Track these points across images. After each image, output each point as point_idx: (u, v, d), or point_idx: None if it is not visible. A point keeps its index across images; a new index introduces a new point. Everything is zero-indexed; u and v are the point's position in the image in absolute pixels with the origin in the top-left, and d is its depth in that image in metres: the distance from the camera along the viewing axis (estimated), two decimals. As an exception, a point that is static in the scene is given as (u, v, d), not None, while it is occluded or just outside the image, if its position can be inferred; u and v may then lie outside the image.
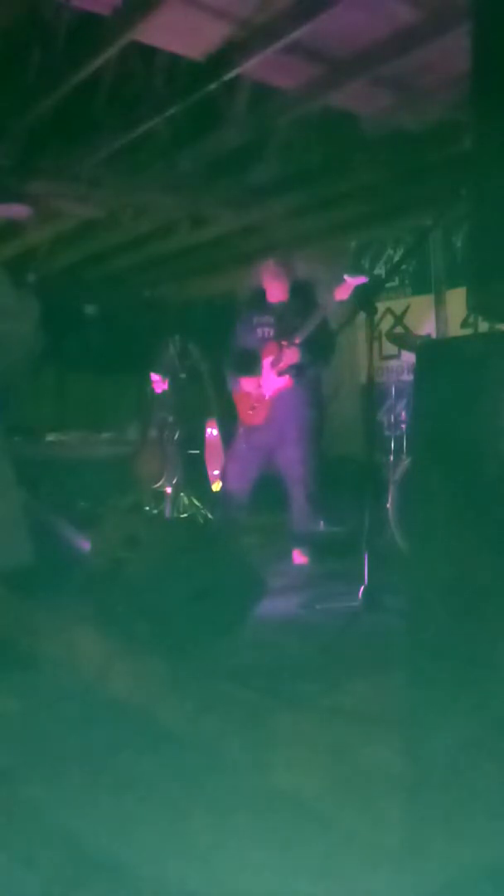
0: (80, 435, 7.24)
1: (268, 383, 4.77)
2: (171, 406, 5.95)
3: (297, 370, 4.66)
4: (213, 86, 4.12)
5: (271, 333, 4.78)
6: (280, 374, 4.72)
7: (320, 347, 4.61)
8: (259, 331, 4.84)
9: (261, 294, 4.90)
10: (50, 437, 7.14)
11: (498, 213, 1.63)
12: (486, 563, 1.57)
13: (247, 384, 4.88)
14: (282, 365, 4.71)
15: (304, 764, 2.12)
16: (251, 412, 4.88)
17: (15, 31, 4.32)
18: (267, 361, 4.78)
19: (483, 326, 5.30)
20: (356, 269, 4.54)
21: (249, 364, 4.90)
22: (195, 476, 6.01)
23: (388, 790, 1.82)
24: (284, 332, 4.64)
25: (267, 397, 4.79)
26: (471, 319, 5.81)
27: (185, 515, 5.67)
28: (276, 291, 4.81)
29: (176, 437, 5.87)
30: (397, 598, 3.13)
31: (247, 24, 3.71)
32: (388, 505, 4.58)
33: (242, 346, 5.00)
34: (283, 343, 4.66)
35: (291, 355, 4.59)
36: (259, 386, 4.81)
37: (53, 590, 3.25)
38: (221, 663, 2.83)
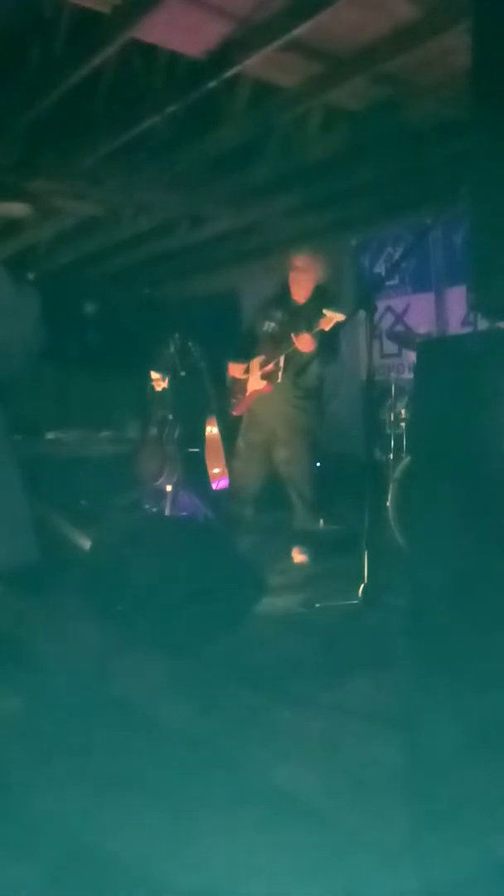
0: (80, 433, 7.24)
1: (251, 382, 4.82)
2: (170, 404, 5.94)
3: (288, 371, 4.66)
4: (213, 83, 4.12)
5: (276, 332, 4.78)
6: (262, 377, 4.75)
7: (323, 354, 4.59)
8: (266, 325, 4.85)
9: (285, 290, 4.87)
10: (50, 436, 7.14)
11: (498, 211, 1.63)
12: (487, 561, 1.56)
13: (234, 370, 4.95)
14: (266, 368, 4.72)
15: (305, 762, 2.12)
16: (234, 401, 5.02)
17: (15, 29, 4.32)
18: (256, 361, 4.80)
19: (483, 324, 5.29)
20: (336, 304, 4.51)
21: (244, 353, 4.92)
22: (195, 474, 6.00)
23: (388, 788, 1.83)
24: (290, 335, 4.63)
25: (248, 393, 4.85)
26: (471, 317, 5.80)
27: (186, 514, 5.67)
28: (300, 291, 4.78)
29: (176, 435, 5.86)
30: (397, 596, 3.13)
31: (247, 21, 3.70)
32: (388, 503, 4.57)
33: (246, 335, 5.05)
34: (281, 343, 4.67)
35: (306, 343, 4.54)
36: (244, 373, 4.87)
37: (53, 588, 3.26)
38: (221, 662, 2.83)
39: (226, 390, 5.19)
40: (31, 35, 4.35)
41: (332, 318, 4.37)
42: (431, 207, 5.37)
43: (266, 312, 4.92)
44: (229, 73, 4.03)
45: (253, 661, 2.90)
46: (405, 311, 6.59)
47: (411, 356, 5.64)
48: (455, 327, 6.09)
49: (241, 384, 4.94)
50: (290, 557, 4.71)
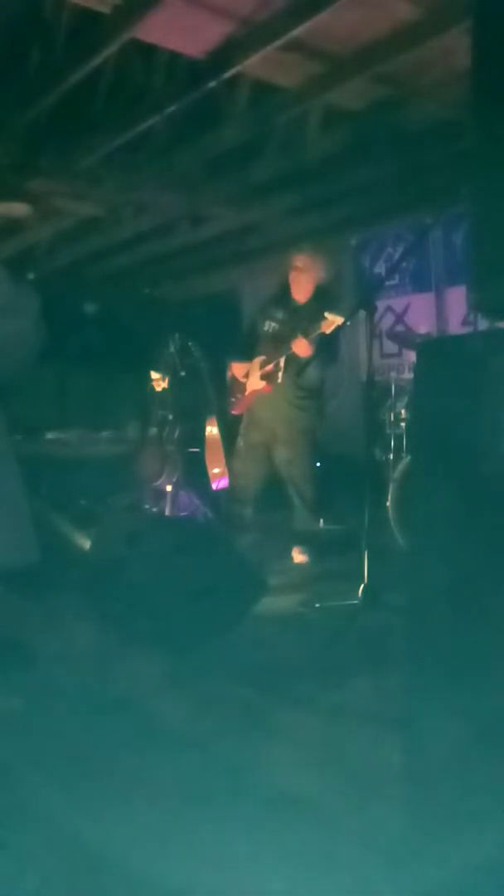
0: (80, 433, 7.24)
1: (251, 381, 4.82)
2: (170, 404, 5.95)
3: (288, 371, 4.66)
4: (213, 83, 4.12)
5: (277, 332, 4.78)
6: (262, 377, 4.75)
7: (324, 356, 4.58)
8: (267, 324, 4.85)
9: (285, 289, 4.87)
10: (50, 435, 7.14)
11: (498, 211, 1.63)
12: (487, 560, 1.57)
13: (237, 369, 4.95)
14: (267, 369, 4.73)
15: (305, 762, 2.12)
16: (234, 401, 5.02)
17: (15, 29, 4.32)
18: (257, 361, 4.80)
19: (483, 324, 5.29)
20: (338, 307, 4.49)
21: (244, 353, 4.93)
22: (195, 474, 6.01)
23: (388, 788, 1.83)
24: (290, 335, 4.63)
25: (248, 393, 4.86)
26: (471, 317, 5.80)
27: (186, 514, 5.68)
28: (301, 291, 4.77)
29: (176, 435, 5.87)
30: (397, 596, 3.12)
31: (247, 21, 3.70)
32: (388, 503, 4.57)
33: (246, 334, 5.05)
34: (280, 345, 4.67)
35: (303, 348, 4.54)
36: (245, 378, 4.87)
37: (53, 588, 3.25)
38: (221, 662, 2.83)
39: (226, 390, 5.19)
40: (31, 35, 4.35)
41: (332, 321, 4.35)
42: (431, 207, 5.38)
43: (266, 312, 4.92)
44: (229, 73, 4.02)
45: (253, 661, 2.90)
46: (405, 311, 6.58)
47: (411, 356, 5.64)
48: (455, 327, 6.08)
49: (241, 384, 4.94)
50: (290, 557, 4.71)
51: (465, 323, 5.97)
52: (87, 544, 3.75)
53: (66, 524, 3.99)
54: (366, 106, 4.53)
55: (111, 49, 3.93)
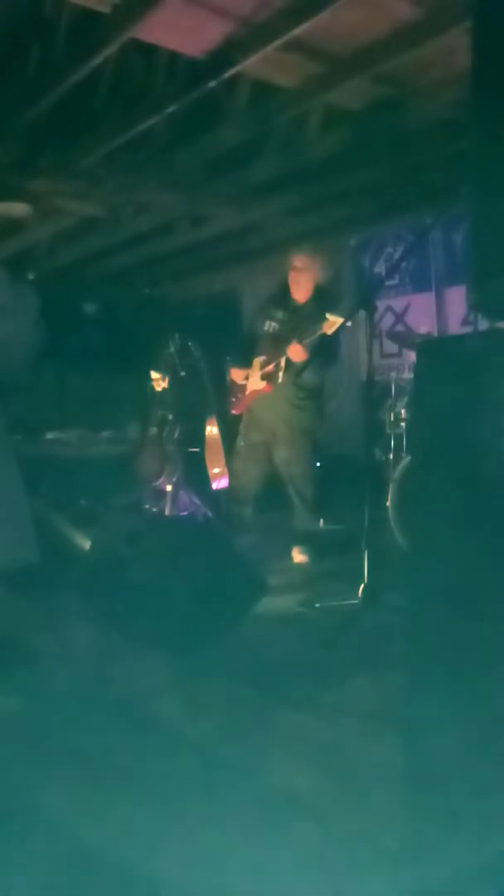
0: (80, 433, 7.24)
1: (251, 381, 4.82)
2: (171, 404, 5.95)
3: (288, 371, 4.66)
4: (213, 83, 4.11)
5: (277, 332, 4.78)
6: (263, 377, 4.75)
7: (324, 356, 4.57)
8: (267, 325, 4.85)
9: (285, 290, 4.87)
10: (50, 436, 7.14)
11: (498, 211, 1.63)
12: (486, 560, 1.57)
13: (236, 375, 4.95)
14: (267, 369, 4.73)
15: (304, 762, 2.12)
16: (234, 401, 5.03)
17: (15, 29, 4.32)
18: (257, 361, 4.80)
19: (483, 324, 5.29)
20: (339, 308, 4.47)
21: (244, 353, 4.93)
22: (195, 474, 6.00)
23: (388, 788, 1.83)
24: (290, 335, 4.62)
25: (248, 393, 4.85)
26: (471, 317, 5.80)
27: (186, 514, 5.67)
28: (300, 291, 4.77)
29: (176, 435, 5.87)
30: (397, 596, 3.12)
31: (247, 21, 3.70)
32: (388, 503, 4.57)
33: (246, 335, 5.05)
34: (281, 346, 4.67)
35: (297, 353, 4.54)
36: (245, 379, 4.87)
37: (53, 588, 3.26)
38: (221, 662, 2.83)
39: (226, 390, 5.19)
40: (31, 35, 4.35)
41: (333, 321, 4.35)
42: (431, 207, 5.38)
43: (266, 312, 4.93)
44: (229, 73, 4.02)
45: (253, 661, 2.90)
46: (405, 311, 6.58)
47: (411, 356, 5.64)
48: (455, 327, 6.08)
49: (241, 385, 4.95)
50: (290, 557, 4.71)
51: (465, 323, 5.97)
52: (87, 544, 3.75)
53: (66, 524, 3.99)
54: (366, 106, 4.53)
55: (111, 49, 3.93)
